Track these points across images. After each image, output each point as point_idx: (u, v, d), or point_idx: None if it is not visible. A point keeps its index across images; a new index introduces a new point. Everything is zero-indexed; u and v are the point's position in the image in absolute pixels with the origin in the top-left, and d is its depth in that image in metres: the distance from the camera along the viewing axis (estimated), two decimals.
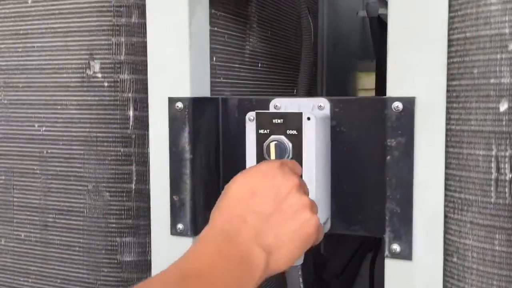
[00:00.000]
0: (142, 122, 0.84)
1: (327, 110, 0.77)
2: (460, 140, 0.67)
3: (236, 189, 0.58)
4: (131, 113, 0.83)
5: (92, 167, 0.85)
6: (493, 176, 0.64)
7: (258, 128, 0.73)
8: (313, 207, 0.59)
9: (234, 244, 0.54)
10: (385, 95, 0.69)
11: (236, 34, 0.98)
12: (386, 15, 0.70)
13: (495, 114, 0.64)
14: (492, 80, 0.64)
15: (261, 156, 0.73)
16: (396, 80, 0.66)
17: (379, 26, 1.43)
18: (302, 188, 0.60)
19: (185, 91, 0.77)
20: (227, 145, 0.84)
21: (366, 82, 2.43)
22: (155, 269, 0.81)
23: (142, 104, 0.83)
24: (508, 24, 0.62)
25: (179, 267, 0.52)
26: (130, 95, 0.83)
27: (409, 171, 0.66)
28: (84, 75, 0.84)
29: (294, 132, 0.71)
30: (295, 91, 1.27)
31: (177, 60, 0.77)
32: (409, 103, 0.65)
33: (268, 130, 0.72)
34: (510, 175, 0.63)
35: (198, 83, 0.79)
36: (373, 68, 1.63)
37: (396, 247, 0.67)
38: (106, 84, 0.83)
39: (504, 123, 0.63)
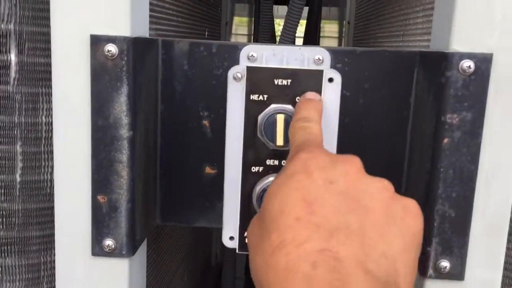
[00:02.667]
0: (33, 74, 0.51)
1: (326, 66, 0.54)
2: None
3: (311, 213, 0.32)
4: (12, 57, 0.50)
5: None
6: None
7: (250, 91, 0.46)
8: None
9: None
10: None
11: None
12: None
13: None
14: None
15: (252, 135, 0.47)
16: (465, 29, 0.45)
17: None
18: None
19: (122, 26, 0.46)
20: (168, 111, 0.56)
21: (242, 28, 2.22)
22: None
23: (32, 44, 0.50)
24: None
25: None
26: (11, 26, 0.49)
27: (473, 159, 0.47)
28: None
29: None
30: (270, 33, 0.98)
31: None
32: (484, 62, 0.45)
33: (265, 96, 0.46)
34: None
35: (139, 12, 0.49)
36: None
37: (445, 264, 0.48)
38: None
39: None
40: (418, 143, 0.52)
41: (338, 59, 0.54)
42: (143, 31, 0.52)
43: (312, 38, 1.73)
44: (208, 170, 0.56)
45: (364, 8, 1.18)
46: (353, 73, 0.54)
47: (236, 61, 0.54)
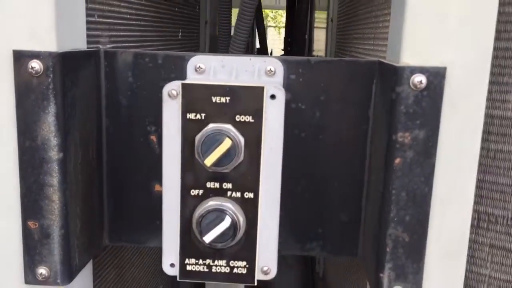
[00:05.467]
0: None
1: (279, 77, 0.50)
2: (486, 129, 0.46)
3: None
4: None
5: None
6: None
7: (186, 110, 0.43)
8: None
9: None
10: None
11: None
12: None
13: None
14: None
15: (191, 157, 0.44)
16: (417, 40, 0.42)
17: None
18: None
19: (47, 41, 0.43)
20: (113, 126, 0.53)
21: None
22: None
23: None
24: None
25: None
26: None
27: (427, 180, 0.43)
28: None
29: (249, 118, 0.43)
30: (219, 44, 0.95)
31: None
32: (437, 76, 0.42)
33: (203, 115, 0.43)
34: None
35: (68, 24, 0.46)
36: None
37: None
38: None
39: None
40: (374, 161, 0.49)
41: (291, 70, 0.51)
42: (79, 43, 0.49)
43: (298, 27, 1.68)
44: (157, 187, 0.53)
45: (345, 6, 1.15)
46: (308, 84, 0.51)
47: (183, 73, 0.51)
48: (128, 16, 0.70)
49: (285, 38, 2.45)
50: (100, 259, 0.66)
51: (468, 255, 0.49)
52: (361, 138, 0.51)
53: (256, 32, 1.71)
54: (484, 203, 0.47)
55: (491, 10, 0.41)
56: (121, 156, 0.53)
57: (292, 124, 0.51)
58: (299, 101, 0.51)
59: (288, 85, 0.51)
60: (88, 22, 0.53)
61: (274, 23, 12.01)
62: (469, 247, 0.48)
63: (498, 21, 0.44)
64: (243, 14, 0.52)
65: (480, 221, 0.48)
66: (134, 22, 0.73)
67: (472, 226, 0.48)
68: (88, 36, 0.52)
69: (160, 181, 0.52)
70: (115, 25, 0.64)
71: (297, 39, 1.86)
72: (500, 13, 0.44)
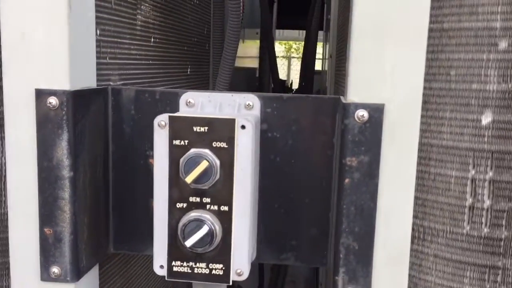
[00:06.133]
0: None
1: (256, 111, 0.60)
2: (427, 156, 0.54)
3: None
4: None
5: None
6: (467, 203, 0.53)
7: (172, 137, 0.53)
8: None
9: None
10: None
11: None
12: None
13: (475, 128, 0.52)
14: (474, 86, 0.51)
15: (176, 176, 0.53)
16: (359, 81, 0.51)
17: None
18: None
19: (62, 81, 0.53)
20: (119, 151, 0.63)
21: (250, 50, 2.32)
22: None
23: None
24: (500, 17, 0.49)
25: None
26: None
27: (372, 197, 0.52)
28: None
29: (223, 144, 0.52)
30: (210, 79, 1.06)
31: (51, 34, 0.53)
32: (377, 111, 0.50)
33: (186, 142, 0.53)
34: (489, 202, 0.52)
35: (80, 67, 0.56)
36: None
37: None
38: None
39: (486, 139, 0.51)
40: (334, 182, 0.58)
41: (267, 104, 0.60)
42: (90, 82, 0.59)
43: (310, 60, 1.80)
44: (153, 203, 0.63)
45: (342, 43, 1.24)
46: (281, 116, 0.60)
47: (176, 106, 0.61)
48: (138, 57, 0.81)
49: (300, 72, 2.56)
50: (108, 268, 0.75)
51: (416, 264, 0.57)
52: (327, 162, 0.60)
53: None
54: (428, 218, 0.55)
55: (420, 59, 0.50)
56: (124, 176, 0.63)
57: (268, 150, 0.60)
58: (274, 130, 0.60)
59: (264, 117, 0.60)
60: (100, 64, 0.63)
61: (297, 54, 12.19)
62: (417, 257, 0.56)
63: (431, 66, 0.52)
64: (226, 54, 0.62)
65: (425, 235, 0.55)
66: (143, 62, 0.84)
67: (418, 238, 0.56)
68: (100, 75, 0.63)
69: None
70: (125, 65, 0.75)
71: (309, 73, 1.96)
72: (433, 59, 0.52)
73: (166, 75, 0.95)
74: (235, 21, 0.60)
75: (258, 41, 2.30)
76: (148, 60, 0.86)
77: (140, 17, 0.80)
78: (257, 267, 1.69)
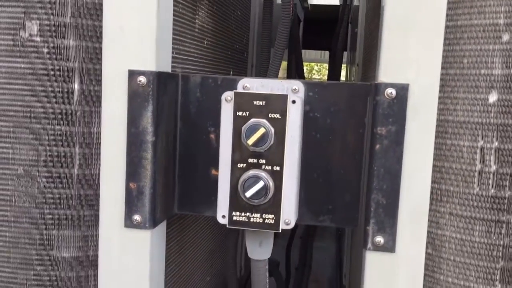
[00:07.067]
0: (89, 97, 0.72)
1: (301, 94, 0.72)
2: (444, 130, 0.66)
3: None
4: (76, 86, 0.71)
5: (23, 147, 0.72)
6: (477, 168, 0.64)
7: (236, 109, 0.65)
8: None
9: None
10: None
11: (188, 5, 0.89)
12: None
13: (483, 105, 0.63)
14: (483, 71, 0.63)
15: (238, 141, 0.66)
16: (389, 65, 0.63)
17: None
18: None
19: (150, 64, 0.67)
20: (185, 127, 0.76)
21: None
22: (103, 265, 0.71)
23: (89, 77, 0.72)
24: (503, 15, 0.61)
25: None
26: (75, 64, 0.71)
27: (398, 161, 0.64)
28: (17, 37, 0.70)
29: (277, 115, 0.65)
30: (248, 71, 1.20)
31: (143, 27, 0.67)
32: (402, 89, 0.63)
33: (247, 113, 0.65)
34: (495, 167, 0.63)
35: (162, 55, 0.70)
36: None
37: (380, 239, 0.65)
38: (45, 50, 0.70)
39: (492, 114, 0.63)
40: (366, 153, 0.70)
41: (310, 89, 0.73)
42: (166, 68, 0.73)
43: (335, 79, 1.92)
44: (214, 172, 0.75)
45: (368, 53, 1.37)
46: (322, 99, 0.72)
47: (235, 90, 0.74)
48: (195, 55, 0.95)
49: None
50: (168, 233, 0.88)
51: (434, 222, 0.68)
52: (359, 138, 0.72)
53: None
54: (444, 182, 0.66)
55: (438, 48, 0.62)
56: (189, 148, 0.76)
57: (310, 127, 0.72)
58: (315, 111, 0.73)
59: (307, 100, 0.72)
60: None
61: (318, 75, 12.32)
62: (435, 215, 0.67)
63: (448, 56, 0.65)
64: (277, 45, 0.75)
65: (442, 196, 0.67)
66: (198, 60, 0.98)
67: (436, 200, 0.67)
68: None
69: (216, 167, 0.74)
70: (185, 61, 0.89)
71: None
72: (449, 50, 0.65)
73: (215, 74, 1.09)
74: (286, 17, 0.74)
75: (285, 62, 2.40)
76: (202, 59, 1.00)
77: (197, 21, 0.94)
78: (284, 267, 1.81)
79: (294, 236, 1.84)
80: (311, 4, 2.88)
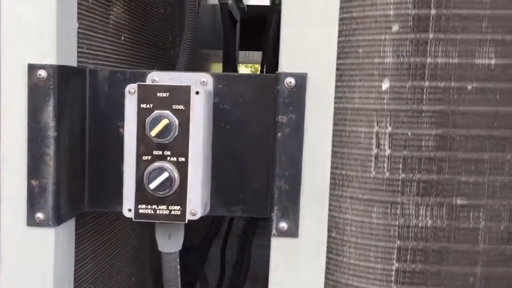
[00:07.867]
0: None
1: (210, 86, 0.73)
2: (343, 117, 0.69)
3: None
4: None
5: None
6: (373, 152, 0.67)
7: (140, 102, 0.65)
8: None
9: None
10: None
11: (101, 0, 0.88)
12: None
13: (377, 93, 0.66)
14: (376, 60, 0.66)
15: (143, 134, 0.66)
16: (288, 56, 0.65)
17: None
18: None
19: (50, 58, 0.66)
20: (94, 122, 0.75)
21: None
22: (5, 264, 0.69)
23: None
24: (392, 6, 0.65)
25: None
26: None
27: (298, 148, 0.66)
28: None
29: (181, 107, 0.66)
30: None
31: (41, 18, 0.65)
32: (301, 78, 0.65)
33: (151, 105, 0.66)
34: (389, 151, 0.67)
35: (65, 49, 0.69)
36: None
37: (283, 225, 0.67)
38: None
39: (385, 101, 0.66)
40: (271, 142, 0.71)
41: (218, 81, 0.73)
42: (71, 62, 0.72)
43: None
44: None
45: None
46: (231, 91, 0.73)
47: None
48: (110, 51, 0.94)
49: None
50: (82, 233, 0.86)
51: (337, 206, 0.70)
52: (268, 129, 0.73)
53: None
54: (345, 168, 0.69)
55: (333, 39, 0.65)
56: (98, 143, 0.75)
57: (220, 119, 0.73)
58: (224, 103, 0.74)
59: (216, 92, 0.73)
60: (78, 52, 0.76)
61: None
62: (337, 200, 0.70)
63: (345, 46, 0.67)
64: (184, 39, 0.76)
65: (343, 181, 0.69)
66: (114, 56, 0.97)
67: (338, 185, 0.70)
68: (77, 62, 0.75)
69: None
70: (98, 56, 0.88)
71: None
72: (346, 41, 0.67)
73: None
74: (192, 11, 0.74)
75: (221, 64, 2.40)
76: (119, 55, 0.99)
77: (112, 16, 0.94)
78: (219, 264, 1.81)
79: (229, 235, 1.85)
80: (247, 5, 2.89)
